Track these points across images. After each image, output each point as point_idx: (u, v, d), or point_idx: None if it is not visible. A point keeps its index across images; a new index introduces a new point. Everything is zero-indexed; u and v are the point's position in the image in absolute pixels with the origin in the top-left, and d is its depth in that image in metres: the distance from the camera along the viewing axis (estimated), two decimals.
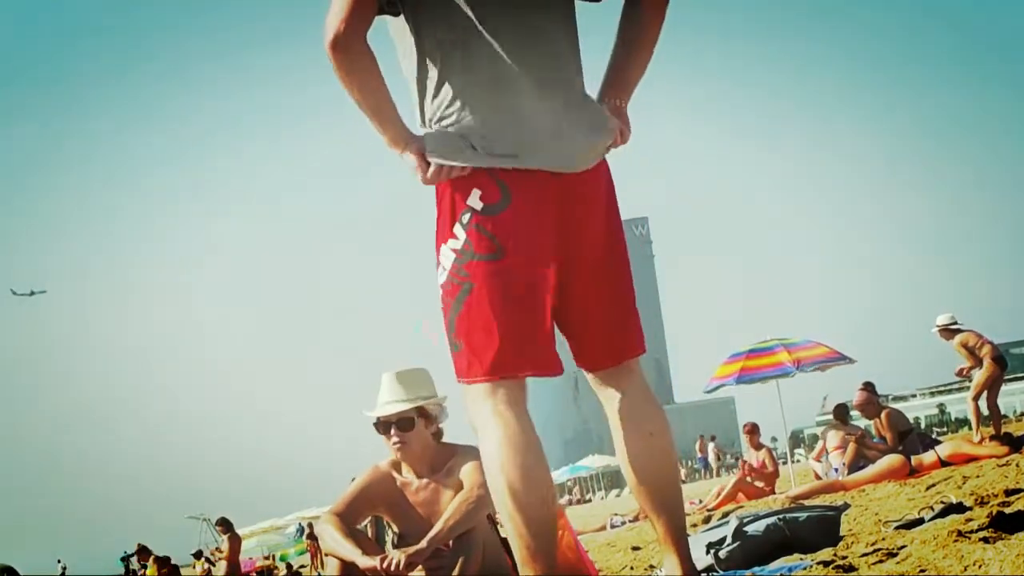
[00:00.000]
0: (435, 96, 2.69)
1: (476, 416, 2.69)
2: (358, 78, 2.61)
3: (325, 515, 4.27)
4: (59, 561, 43.48)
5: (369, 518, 4.42)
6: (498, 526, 4.15)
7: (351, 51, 2.56)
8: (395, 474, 4.31)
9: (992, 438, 10.02)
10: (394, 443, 4.23)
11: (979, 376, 12.09)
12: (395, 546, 4.30)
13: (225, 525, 17.42)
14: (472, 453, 4.15)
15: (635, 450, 2.78)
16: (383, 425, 4.25)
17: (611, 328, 2.82)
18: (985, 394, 12.18)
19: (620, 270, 2.83)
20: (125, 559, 34.20)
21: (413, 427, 4.21)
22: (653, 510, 2.79)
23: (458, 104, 2.66)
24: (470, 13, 2.65)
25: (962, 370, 12.20)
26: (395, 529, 4.37)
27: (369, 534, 4.42)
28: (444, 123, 2.67)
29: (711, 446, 40.15)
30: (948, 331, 12.21)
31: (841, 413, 12.02)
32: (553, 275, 2.70)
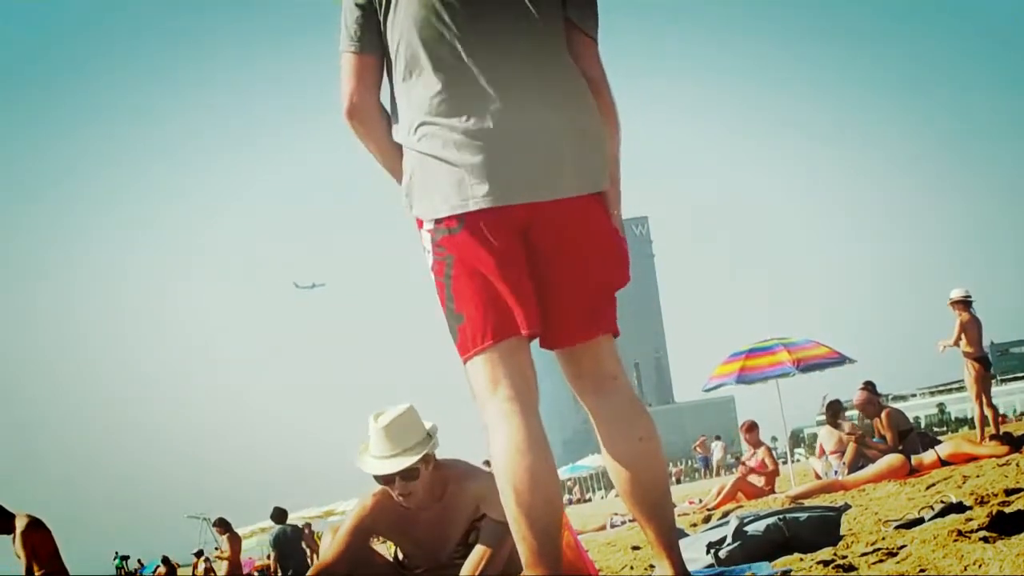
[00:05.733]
0: (407, 110, 2.73)
1: (483, 410, 2.70)
2: (373, 142, 2.81)
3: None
4: None
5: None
6: None
7: (365, 121, 2.78)
8: (391, 499, 4.23)
9: (992, 438, 10.03)
10: (400, 496, 4.15)
11: (972, 379, 12.06)
12: (401, 566, 4.29)
13: (223, 525, 17.40)
14: (471, 477, 4.13)
15: (625, 455, 2.76)
16: (385, 479, 4.16)
17: (582, 300, 2.76)
18: (978, 394, 12.17)
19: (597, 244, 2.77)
20: (122, 560, 34.25)
21: (418, 476, 4.13)
22: (643, 515, 2.78)
23: (426, 126, 2.69)
24: (439, 30, 2.68)
25: (946, 345, 12.13)
26: (400, 551, 4.37)
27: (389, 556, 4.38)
28: (413, 136, 2.71)
29: (720, 444, 39.71)
30: (963, 303, 12.15)
31: (833, 411, 11.75)
32: (520, 244, 2.69)
